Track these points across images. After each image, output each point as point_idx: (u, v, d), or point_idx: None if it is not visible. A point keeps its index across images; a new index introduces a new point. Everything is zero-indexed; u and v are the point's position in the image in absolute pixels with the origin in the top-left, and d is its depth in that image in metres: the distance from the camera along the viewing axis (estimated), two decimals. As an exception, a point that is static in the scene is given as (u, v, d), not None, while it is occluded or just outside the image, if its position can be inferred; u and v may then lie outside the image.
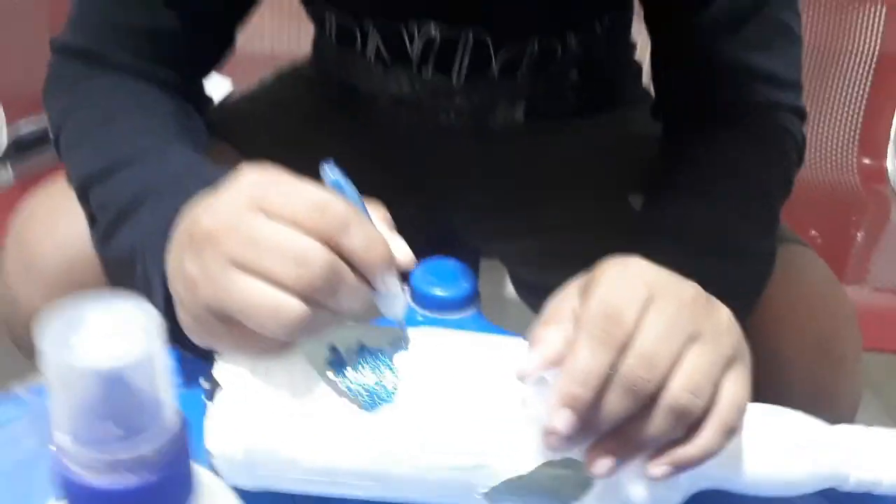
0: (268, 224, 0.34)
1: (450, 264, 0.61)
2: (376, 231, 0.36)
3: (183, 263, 0.36)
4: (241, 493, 0.30)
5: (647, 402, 0.36)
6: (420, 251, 0.64)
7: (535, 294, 0.82)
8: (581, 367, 0.35)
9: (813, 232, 0.64)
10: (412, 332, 0.42)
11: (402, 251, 0.37)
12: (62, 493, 0.22)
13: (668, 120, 0.66)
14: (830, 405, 0.57)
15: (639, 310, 0.36)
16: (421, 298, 0.59)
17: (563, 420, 0.35)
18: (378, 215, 0.38)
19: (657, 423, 0.36)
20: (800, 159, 0.60)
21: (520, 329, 0.54)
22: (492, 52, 0.63)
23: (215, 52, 0.63)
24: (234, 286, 0.34)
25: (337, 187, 0.36)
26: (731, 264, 0.50)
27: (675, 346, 0.36)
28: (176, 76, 0.58)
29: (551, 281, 0.42)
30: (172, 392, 0.23)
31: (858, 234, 1.09)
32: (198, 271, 0.35)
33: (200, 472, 0.25)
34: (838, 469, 0.42)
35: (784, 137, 0.59)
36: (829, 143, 1.24)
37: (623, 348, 0.36)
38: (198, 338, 0.38)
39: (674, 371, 0.36)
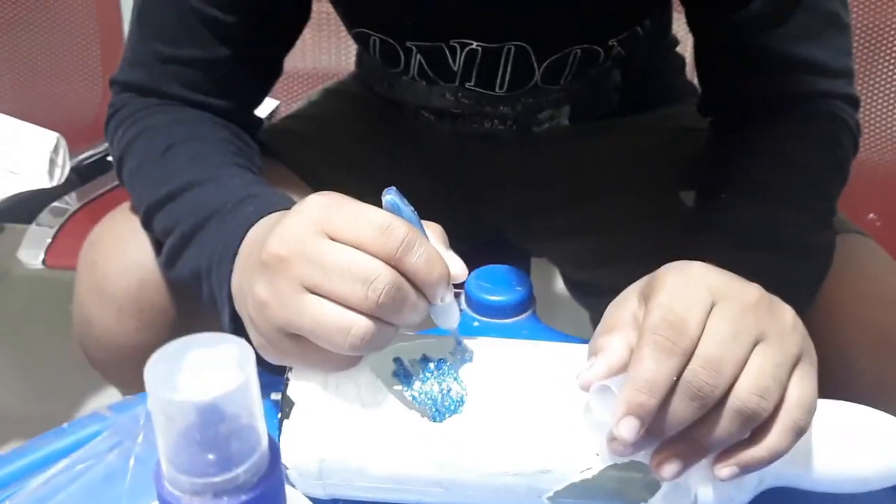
0: (334, 247, 0.36)
1: (503, 270, 0.62)
2: (434, 250, 0.37)
3: (253, 287, 0.38)
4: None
5: (713, 406, 0.36)
6: (471, 257, 0.65)
7: (588, 292, 0.82)
8: (646, 376, 0.35)
9: (871, 215, 0.62)
10: (471, 342, 0.43)
11: (457, 266, 0.39)
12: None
13: (715, 115, 0.65)
14: None
15: (702, 315, 0.36)
16: (476, 305, 0.60)
17: (628, 428, 0.36)
18: (434, 233, 0.40)
19: (724, 426, 0.36)
20: (854, 147, 0.59)
21: (573, 327, 0.55)
22: (534, 62, 0.63)
23: (264, 81, 0.65)
24: (306, 308, 0.36)
25: (395, 209, 0.38)
26: (790, 260, 0.50)
27: (740, 349, 0.36)
28: (228, 105, 0.60)
29: (603, 279, 0.43)
30: (263, 417, 0.24)
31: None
32: (269, 294, 0.37)
33: (291, 494, 0.26)
34: None
35: (836, 126, 0.58)
36: (885, 123, 1.21)
37: (687, 355, 0.36)
38: (270, 356, 0.40)
39: (740, 375, 0.36)
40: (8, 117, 1.01)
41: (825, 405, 0.42)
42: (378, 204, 0.39)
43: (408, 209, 0.38)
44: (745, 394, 0.36)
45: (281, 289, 0.36)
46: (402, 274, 0.36)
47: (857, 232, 0.60)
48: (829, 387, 0.42)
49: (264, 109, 1.13)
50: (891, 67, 1.21)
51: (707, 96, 0.65)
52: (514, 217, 0.77)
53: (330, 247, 0.36)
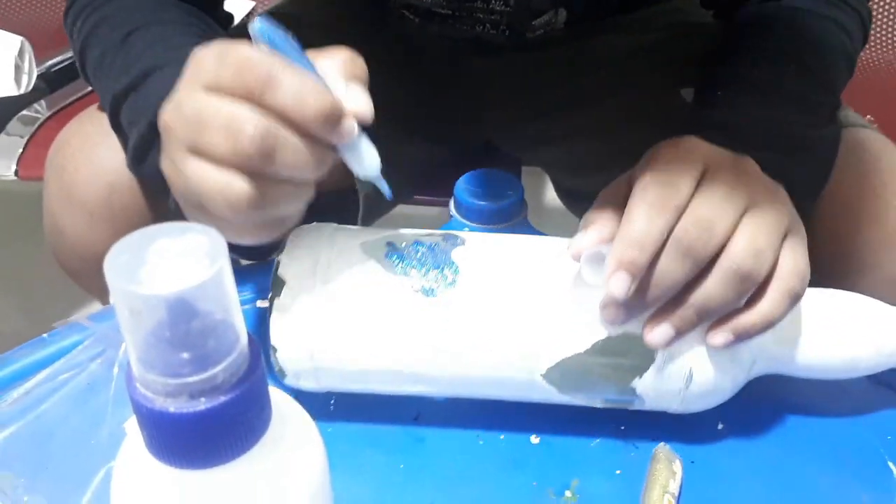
0: (204, 100, 0.32)
1: (493, 174, 0.60)
2: (309, 81, 0.31)
3: (163, 165, 0.36)
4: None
5: (704, 266, 0.36)
6: (460, 165, 0.63)
7: (581, 199, 0.80)
8: (636, 231, 0.35)
9: (868, 117, 0.61)
10: (465, 234, 0.42)
11: (359, 101, 0.33)
12: (139, 422, 0.22)
13: (717, 7, 0.62)
14: None
15: (694, 178, 0.36)
16: (466, 210, 0.58)
17: (619, 283, 0.35)
18: (337, 64, 0.34)
19: (717, 288, 0.36)
20: (864, 36, 0.56)
21: (566, 236, 0.53)
22: None
23: None
24: (190, 173, 0.33)
25: (268, 41, 0.32)
26: (791, 157, 0.48)
27: (732, 211, 0.36)
28: None
29: (599, 185, 0.41)
30: (240, 314, 0.22)
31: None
32: (166, 165, 0.35)
33: (277, 396, 0.25)
34: None
35: (849, 15, 0.55)
36: (889, 22, 1.17)
37: (678, 212, 0.35)
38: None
39: (732, 235, 0.36)
40: (-33, 21, 0.96)
41: (821, 292, 0.42)
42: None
43: (281, 38, 0.32)
44: (739, 252, 0.35)
45: (172, 156, 0.34)
46: (273, 114, 0.31)
47: (865, 126, 0.58)
48: (844, 282, 0.42)
49: (240, 10, 1.07)
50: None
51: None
52: (508, 123, 0.74)
53: (201, 99, 0.32)
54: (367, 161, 0.34)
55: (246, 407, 0.23)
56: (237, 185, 0.31)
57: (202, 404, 0.22)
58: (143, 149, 0.48)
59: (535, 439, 0.43)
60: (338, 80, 0.33)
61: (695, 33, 0.65)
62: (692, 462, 0.42)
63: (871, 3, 1.13)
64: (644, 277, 0.36)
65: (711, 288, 0.36)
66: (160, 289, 0.20)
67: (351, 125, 0.33)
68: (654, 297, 0.36)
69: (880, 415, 0.45)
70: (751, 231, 0.36)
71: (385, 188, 0.36)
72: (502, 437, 0.44)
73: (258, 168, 0.31)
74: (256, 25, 0.32)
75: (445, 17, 0.66)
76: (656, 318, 0.37)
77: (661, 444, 0.43)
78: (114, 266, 0.20)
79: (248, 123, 0.31)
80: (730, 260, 0.36)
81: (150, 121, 0.46)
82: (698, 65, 0.59)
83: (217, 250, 0.21)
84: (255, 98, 0.31)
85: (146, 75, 0.47)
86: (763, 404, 0.45)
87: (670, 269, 0.35)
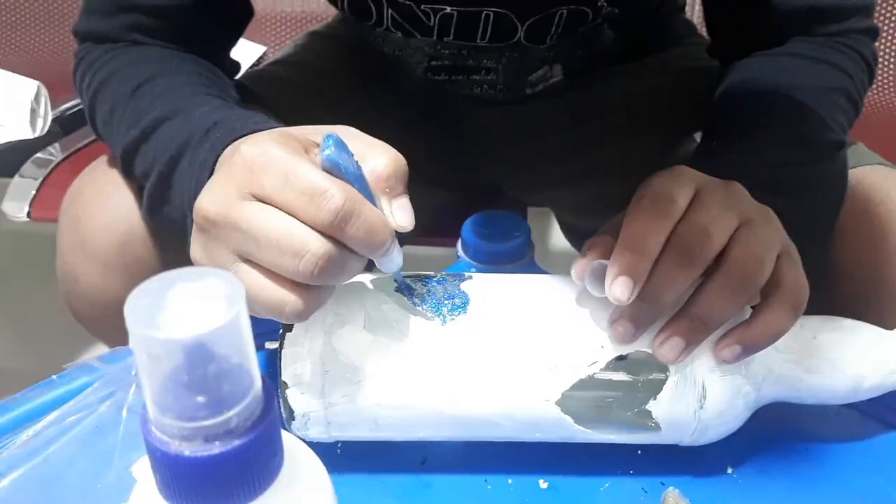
0: (263, 215, 0.33)
1: (500, 216, 0.61)
2: (375, 215, 0.34)
3: (192, 251, 0.37)
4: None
5: (704, 271, 0.36)
6: (466, 207, 0.64)
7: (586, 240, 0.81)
8: (635, 237, 0.36)
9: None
10: (472, 273, 0.44)
11: (403, 217, 0.36)
12: (153, 465, 0.23)
13: (724, 58, 0.63)
14: None
15: (689, 193, 0.37)
16: (473, 251, 0.59)
17: (621, 288, 0.36)
18: (382, 175, 0.35)
19: (721, 294, 0.37)
20: (870, 77, 0.57)
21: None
22: (516, 22, 0.60)
23: (231, 26, 0.61)
24: (242, 279, 0.34)
25: (335, 165, 0.33)
26: (788, 195, 0.49)
27: (728, 220, 0.37)
28: (195, 51, 0.57)
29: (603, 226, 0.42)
30: (255, 358, 0.23)
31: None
32: (204, 258, 0.36)
33: (289, 439, 0.25)
34: None
35: (850, 57, 0.56)
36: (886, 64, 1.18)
37: (675, 219, 0.36)
38: None
39: (730, 244, 0.36)
40: (-14, 67, 0.98)
41: (824, 318, 0.42)
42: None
43: (348, 162, 0.34)
44: (738, 256, 0.36)
45: (214, 255, 0.35)
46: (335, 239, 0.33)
47: (881, 162, 0.59)
48: (865, 313, 0.43)
49: (251, 55, 1.10)
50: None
51: (715, 42, 0.63)
52: (513, 168, 0.75)
53: (259, 214, 0.33)
54: (394, 265, 0.37)
55: (259, 451, 0.23)
56: (292, 302, 0.33)
57: (217, 448, 0.22)
58: (157, 199, 0.48)
59: (543, 483, 0.43)
60: (382, 199, 0.36)
61: (700, 78, 0.66)
62: (702, 506, 0.42)
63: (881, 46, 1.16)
64: (646, 287, 0.36)
65: (714, 295, 0.37)
66: (178, 333, 0.20)
67: (393, 245, 0.35)
68: (659, 304, 0.37)
69: (893, 460, 0.45)
70: (747, 240, 0.37)
71: (400, 280, 0.40)
72: (510, 480, 0.43)
73: (318, 283, 0.34)
74: (326, 150, 0.33)
75: (444, 82, 0.67)
76: (664, 332, 0.38)
77: (671, 488, 0.42)
78: (133, 311, 0.21)
79: (318, 251, 0.32)
80: (729, 265, 0.36)
81: (161, 171, 0.47)
82: (704, 109, 0.60)
83: (234, 295, 0.21)
84: (325, 229, 0.32)
85: (155, 127, 0.48)
86: (772, 448, 0.45)
87: (671, 274, 0.36)
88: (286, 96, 0.68)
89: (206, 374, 0.21)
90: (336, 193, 0.32)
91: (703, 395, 0.39)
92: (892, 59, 1.18)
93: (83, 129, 0.97)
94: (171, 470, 0.22)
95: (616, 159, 0.69)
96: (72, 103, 0.98)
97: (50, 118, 0.94)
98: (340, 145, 0.33)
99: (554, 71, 0.67)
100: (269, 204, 0.33)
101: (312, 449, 0.27)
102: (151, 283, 0.22)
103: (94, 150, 0.93)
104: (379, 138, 0.37)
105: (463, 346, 0.39)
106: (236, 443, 0.22)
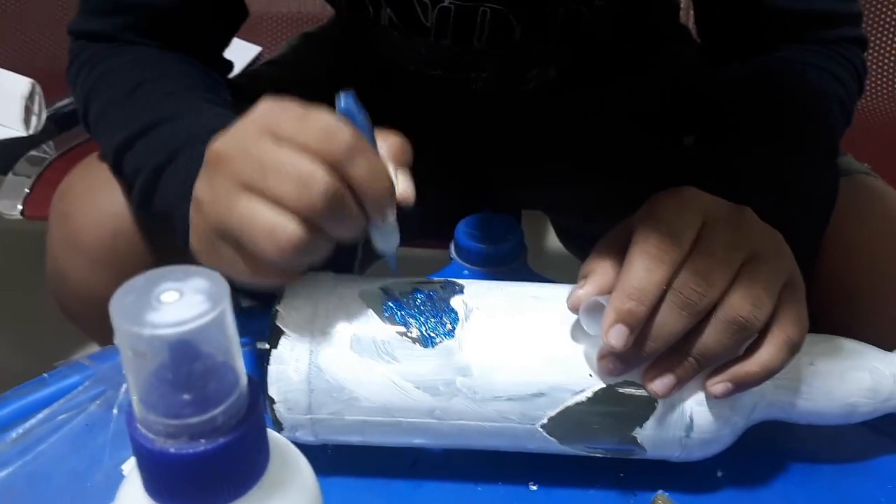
0: (276, 147, 0.34)
1: (493, 217, 0.61)
2: (381, 163, 0.35)
3: (196, 188, 0.37)
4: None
5: (704, 318, 0.36)
6: (460, 206, 0.64)
7: (581, 243, 0.81)
8: (635, 283, 0.35)
9: (865, 165, 0.62)
10: (463, 282, 0.43)
11: (405, 185, 0.37)
12: (138, 462, 0.23)
13: (717, 63, 0.63)
14: None
15: (693, 230, 0.36)
16: (466, 253, 0.59)
17: (617, 335, 0.35)
18: (390, 148, 0.37)
19: (716, 337, 0.36)
20: (860, 87, 0.58)
21: (566, 281, 0.53)
22: (513, 22, 0.60)
23: (225, 25, 0.61)
24: (237, 205, 0.34)
25: (349, 115, 0.36)
26: (789, 199, 0.49)
27: (731, 263, 0.36)
28: (189, 50, 0.57)
29: (597, 228, 0.42)
30: (241, 356, 0.23)
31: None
32: (206, 192, 0.36)
33: (275, 438, 0.25)
34: None
35: (843, 66, 0.56)
36: (885, 71, 1.19)
37: (677, 265, 0.36)
38: (205, 261, 0.38)
39: (731, 286, 0.36)
40: (-20, 64, 0.98)
41: (819, 338, 0.42)
42: None
43: (361, 116, 0.36)
44: (737, 302, 0.36)
45: (217, 186, 0.35)
46: (344, 182, 0.34)
47: (866, 173, 0.59)
48: (849, 325, 0.42)
49: (247, 56, 1.10)
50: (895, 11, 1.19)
51: (707, 46, 0.63)
52: (507, 167, 0.75)
53: (272, 146, 0.34)
54: (391, 241, 0.38)
55: (245, 449, 0.23)
56: (290, 227, 0.33)
57: (202, 445, 0.22)
58: (146, 195, 0.48)
59: (533, 487, 0.43)
60: (388, 163, 0.37)
61: (695, 81, 0.66)
62: (691, 510, 0.42)
63: (869, 56, 1.16)
64: (642, 329, 0.36)
65: (710, 338, 0.36)
66: (163, 330, 0.20)
67: (394, 208, 0.36)
68: (652, 349, 0.36)
69: (880, 464, 0.45)
70: (749, 281, 0.36)
71: (394, 265, 0.40)
72: (500, 484, 0.43)
73: (317, 221, 0.34)
74: (342, 100, 0.36)
75: (439, 80, 0.67)
76: (656, 367, 0.37)
77: (660, 492, 0.42)
78: (119, 308, 0.21)
79: (323, 180, 0.33)
80: (728, 310, 0.36)
81: (155, 167, 0.47)
82: (699, 112, 0.61)
83: (219, 293, 0.21)
84: (333, 162, 0.33)
85: (150, 128, 0.48)
86: (762, 452, 0.45)
87: (668, 322, 0.36)
88: (280, 97, 0.68)
89: (192, 371, 0.21)
90: (348, 131, 0.34)
91: (689, 425, 0.39)
92: (877, 70, 1.18)
93: (77, 127, 0.97)
94: (156, 467, 0.22)
95: (610, 160, 0.69)
96: (66, 101, 0.98)
97: (44, 116, 0.94)
98: (355, 99, 0.35)
99: (549, 70, 0.67)
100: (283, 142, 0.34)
101: (302, 449, 0.27)
102: (138, 280, 0.22)
103: (88, 149, 0.93)
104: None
105: (448, 370, 0.39)
106: (221, 440, 0.22)
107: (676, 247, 0.35)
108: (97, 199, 0.56)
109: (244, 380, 0.23)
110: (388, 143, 0.37)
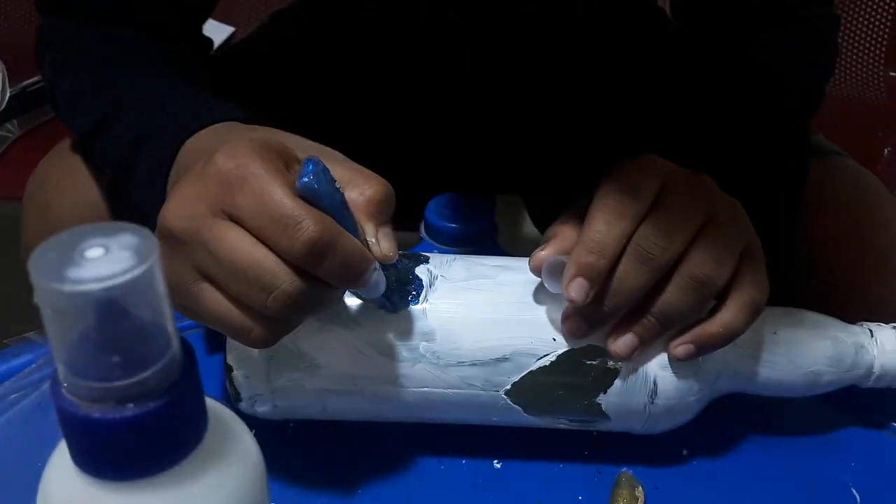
0: (232, 237, 0.31)
1: (464, 198, 0.60)
2: (355, 245, 0.32)
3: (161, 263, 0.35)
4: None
5: (664, 274, 0.36)
6: (433, 188, 0.63)
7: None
8: (595, 237, 0.35)
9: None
10: (429, 254, 0.42)
11: (387, 248, 0.34)
12: (63, 430, 0.21)
13: (689, 47, 0.63)
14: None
15: (654, 189, 0.36)
16: (435, 232, 0.58)
17: (578, 289, 0.35)
18: (368, 204, 0.33)
19: (678, 296, 0.36)
20: (830, 67, 0.57)
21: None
22: None
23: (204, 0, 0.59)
24: (202, 299, 0.32)
25: (313, 194, 0.31)
26: (750, 176, 0.48)
27: (692, 220, 0.36)
28: (167, 23, 0.55)
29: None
30: (172, 317, 0.21)
31: (885, 150, 1.05)
32: (168, 271, 0.33)
33: (216, 408, 0.24)
34: (861, 362, 0.41)
35: (812, 45, 0.56)
36: (854, 56, 1.19)
37: (638, 219, 0.35)
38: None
39: (692, 245, 0.36)
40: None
41: (783, 310, 0.42)
42: (327, 133, 0.34)
43: (328, 189, 0.31)
44: (698, 259, 0.36)
45: (177, 270, 0.32)
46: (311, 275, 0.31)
47: (839, 153, 0.59)
48: (830, 305, 0.42)
49: (219, 37, 1.08)
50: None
51: (681, 31, 0.62)
52: (480, 150, 0.74)
53: (228, 237, 0.31)
54: (376, 292, 0.35)
55: (177, 414, 0.22)
56: (255, 331, 0.32)
57: (130, 410, 0.21)
58: (116, 189, 0.47)
59: (497, 464, 0.43)
60: (367, 223, 0.33)
61: (668, 68, 0.65)
62: (656, 488, 0.41)
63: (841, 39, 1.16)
64: (604, 286, 0.36)
65: (671, 295, 0.36)
66: (85, 287, 0.19)
67: (376, 274, 0.33)
68: (615, 305, 0.36)
69: (844, 441, 0.45)
70: (710, 240, 0.36)
71: (387, 306, 0.38)
72: (464, 461, 0.43)
73: (285, 317, 0.32)
74: (303, 175, 0.30)
75: (412, 54, 0.65)
76: (619, 328, 0.37)
77: (625, 469, 0.42)
78: (39, 264, 0.19)
79: (288, 288, 0.30)
80: (689, 266, 0.36)
81: (119, 164, 0.46)
82: (666, 96, 0.60)
83: (148, 249, 0.20)
84: (295, 262, 0.30)
85: (114, 116, 0.47)
86: (727, 431, 0.45)
87: (630, 277, 0.35)
88: (253, 77, 0.66)
89: (118, 331, 0.20)
90: (310, 225, 0.30)
91: (653, 390, 0.39)
92: (846, 52, 1.19)
93: (42, 106, 0.95)
94: (81, 434, 0.21)
95: (582, 148, 0.68)
96: (31, 81, 0.96)
97: (8, 95, 0.92)
98: (321, 171, 0.31)
99: (537, 58, 0.66)
100: (240, 225, 0.31)
101: (262, 425, 0.26)
102: (62, 237, 0.20)
103: (51, 128, 0.91)
104: (346, 118, 0.35)
105: (412, 336, 0.38)
106: (151, 405, 0.21)
107: (636, 202, 0.35)
108: (77, 188, 0.55)
109: (176, 342, 0.22)
110: (365, 198, 0.33)
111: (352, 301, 0.38)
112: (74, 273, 0.19)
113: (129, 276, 0.19)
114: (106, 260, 0.20)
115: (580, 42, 0.68)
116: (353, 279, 0.32)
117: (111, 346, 0.20)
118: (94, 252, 0.20)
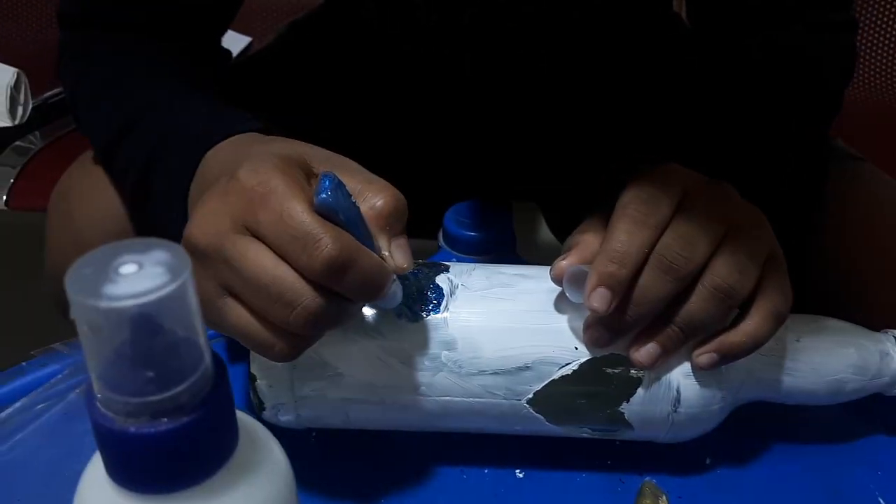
0: (255, 254, 0.31)
1: (483, 206, 0.60)
2: (373, 260, 0.32)
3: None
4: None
5: (688, 283, 0.36)
6: (449, 196, 0.63)
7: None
8: (617, 247, 0.35)
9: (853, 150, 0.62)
10: (450, 263, 0.42)
11: (402, 260, 0.34)
12: (98, 444, 0.22)
13: (706, 49, 0.62)
14: None
15: (676, 198, 0.36)
16: (453, 241, 0.58)
17: (600, 299, 0.35)
18: (380, 215, 0.34)
19: (701, 305, 0.36)
20: (849, 72, 0.57)
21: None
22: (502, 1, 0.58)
23: (223, 11, 0.60)
24: (227, 314, 0.33)
25: (329, 210, 0.31)
26: (769, 184, 0.48)
27: (715, 231, 0.36)
28: (187, 36, 0.56)
29: None
30: (204, 332, 0.22)
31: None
32: (196, 284, 0.34)
33: (246, 420, 0.24)
34: (886, 370, 0.41)
35: (829, 50, 0.55)
36: (876, 61, 1.18)
37: (660, 228, 0.35)
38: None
39: (715, 254, 0.36)
40: (-35, 54, 0.97)
41: (806, 317, 0.42)
42: (343, 141, 0.34)
43: (345, 205, 0.32)
44: (721, 269, 0.35)
45: (203, 285, 0.33)
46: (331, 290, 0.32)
47: (857, 158, 0.58)
48: (835, 312, 0.42)
49: (236, 46, 1.09)
50: None
51: (697, 35, 0.62)
52: (497, 158, 0.74)
53: (251, 252, 0.31)
54: (394, 302, 0.36)
55: (210, 428, 0.22)
56: (279, 346, 0.32)
57: (164, 424, 0.21)
58: (136, 200, 0.48)
59: (519, 474, 0.42)
60: (381, 236, 0.34)
61: (687, 74, 0.65)
62: (679, 497, 0.41)
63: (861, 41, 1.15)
64: (626, 296, 0.35)
65: (694, 305, 0.36)
66: (121, 303, 0.19)
67: (394, 285, 0.34)
68: (637, 315, 0.36)
69: (870, 450, 0.45)
70: (733, 249, 0.36)
71: (408, 315, 0.38)
72: (486, 471, 0.43)
73: (306, 334, 0.33)
74: (320, 192, 0.31)
75: (425, 57, 0.66)
76: (641, 337, 0.37)
77: (648, 478, 0.42)
78: (76, 280, 0.20)
79: (310, 304, 0.31)
80: (712, 276, 0.35)
81: (139, 173, 0.46)
82: (683, 100, 0.60)
83: (180, 266, 0.20)
84: (315, 279, 0.31)
85: (132, 126, 0.47)
86: (751, 439, 0.44)
87: (652, 286, 0.35)
88: (270, 87, 0.67)
89: (152, 347, 0.20)
90: (329, 243, 0.30)
91: (677, 399, 0.38)
92: (866, 56, 1.18)
93: (64, 118, 0.96)
94: (116, 448, 0.21)
95: (597, 156, 0.68)
96: (53, 92, 0.97)
97: (30, 106, 0.93)
98: (337, 187, 0.31)
99: (543, 60, 0.66)
100: (262, 241, 0.32)
101: (286, 435, 0.26)
102: (96, 253, 0.21)
103: (74, 140, 0.92)
104: (362, 127, 0.36)
105: (434, 345, 0.38)
106: (185, 419, 0.21)
107: (658, 211, 0.35)
108: (101, 199, 0.55)
109: (209, 356, 0.22)
110: (376, 212, 0.33)
111: (374, 311, 0.38)
112: (110, 290, 0.20)
113: (163, 292, 0.20)
114: (140, 276, 0.20)
115: (581, 43, 0.68)
116: (373, 294, 0.33)
117: (146, 361, 0.21)
118: (128, 268, 0.20)
